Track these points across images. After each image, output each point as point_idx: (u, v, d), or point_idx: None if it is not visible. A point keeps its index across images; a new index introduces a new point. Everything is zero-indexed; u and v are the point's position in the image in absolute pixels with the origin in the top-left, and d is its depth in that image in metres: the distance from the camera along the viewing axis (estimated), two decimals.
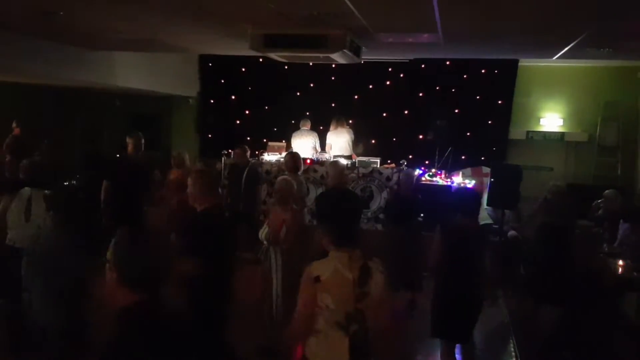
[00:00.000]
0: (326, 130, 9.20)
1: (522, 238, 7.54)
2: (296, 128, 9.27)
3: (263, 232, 4.67)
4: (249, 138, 10.42)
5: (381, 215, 8.26)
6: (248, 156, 7.99)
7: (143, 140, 6.52)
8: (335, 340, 2.63)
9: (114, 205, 5.89)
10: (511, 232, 7.83)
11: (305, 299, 2.65)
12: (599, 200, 7.39)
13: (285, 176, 5.36)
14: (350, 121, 10.03)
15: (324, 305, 2.61)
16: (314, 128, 9.25)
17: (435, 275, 4.22)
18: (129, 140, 6.49)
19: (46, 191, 4.37)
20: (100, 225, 5.74)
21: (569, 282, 4.79)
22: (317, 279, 2.60)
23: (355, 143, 9.11)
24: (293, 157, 6.42)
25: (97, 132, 10.56)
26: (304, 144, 8.88)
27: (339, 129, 8.96)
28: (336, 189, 5.64)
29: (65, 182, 6.92)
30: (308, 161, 8.46)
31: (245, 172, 7.41)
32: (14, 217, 4.39)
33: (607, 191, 7.28)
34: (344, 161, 8.57)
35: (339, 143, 8.95)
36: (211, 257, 3.52)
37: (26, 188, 4.44)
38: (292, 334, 2.78)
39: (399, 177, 8.30)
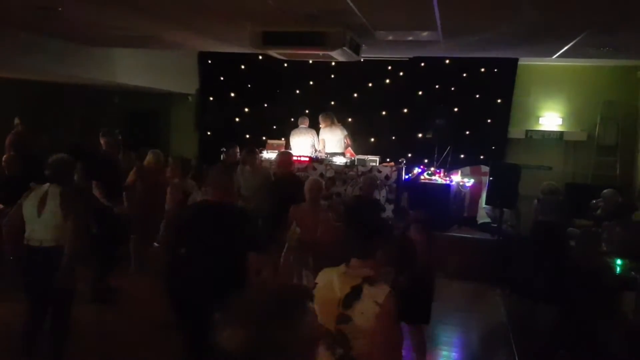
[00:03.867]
0: None
1: (520, 237, 7.56)
2: (295, 126, 9.26)
3: (293, 234, 4.57)
4: (248, 136, 10.43)
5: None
6: (238, 155, 7.99)
7: (120, 138, 6.46)
8: (324, 358, 2.40)
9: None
10: (509, 231, 7.83)
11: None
12: (597, 200, 7.40)
13: (314, 177, 5.43)
14: (350, 119, 10.07)
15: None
16: (313, 126, 9.24)
17: None
18: (102, 138, 6.33)
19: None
20: None
21: (566, 281, 4.79)
22: (314, 285, 2.48)
23: (348, 138, 9.09)
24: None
25: (95, 128, 10.53)
26: (303, 142, 8.87)
27: (333, 127, 8.94)
28: (362, 198, 5.80)
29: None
30: (307, 159, 8.45)
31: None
32: (27, 212, 4.25)
33: (605, 191, 7.30)
34: (342, 159, 8.59)
35: (333, 140, 8.93)
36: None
37: (46, 184, 4.32)
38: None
39: (397, 175, 8.32)
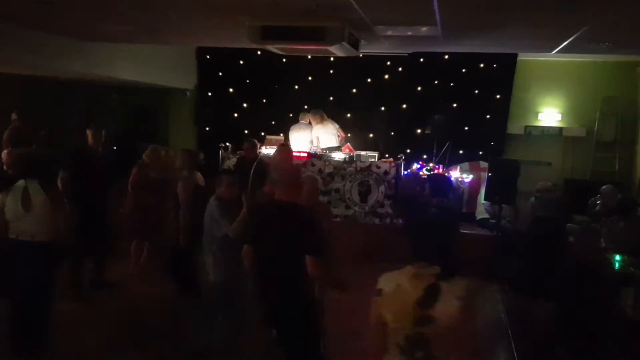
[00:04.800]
0: None
1: (519, 233, 7.55)
2: (294, 122, 9.24)
3: None
4: (246, 131, 10.38)
5: (379, 210, 8.25)
6: (257, 150, 7.93)
7: (104, 132, 6.36)
8: None
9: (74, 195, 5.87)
10: (508, 227, 7.83)
11: (370, 312, 2.48)
12: (595, 197, 7.39)
13: (310, 173, 5.31)
14: (348, 115, 10.08)
15: (386, 323, 2.40)
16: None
17: None
18: (89, 131, 6.26)
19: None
20: None
21: (565, 276, 4.79)
22: (379, 292, 2.43)
23: (340, 131, 9.05)
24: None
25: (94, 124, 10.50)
26: (302, 138, 8.84)
27: (324, 122, 8.89)
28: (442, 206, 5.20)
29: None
30: (306, 155, 8.43)
31: (254, 166, 7.35)
32: (12, 210, 4.29)
33: (604, 187, 7.29)
34: (341, 155, 8.55)
35: (327, 135, 8.88)
36: None
37: (21, 180, 4.37)
38: (368, 352, 2.56)
39: (396, 171, 8.31)
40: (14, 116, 7.92)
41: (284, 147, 7.25)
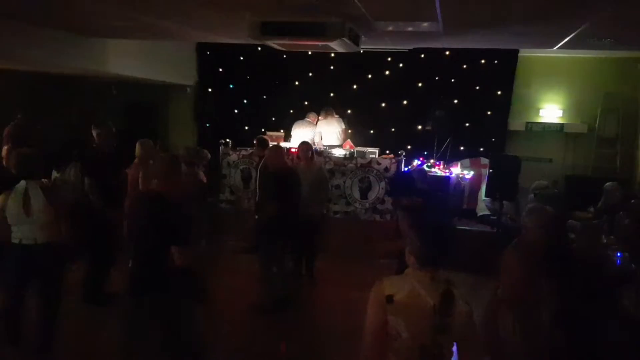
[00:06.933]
0: None
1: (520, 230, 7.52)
2: (294, 118, 9.24)
3: None
4: (247, 127, 10.39)
5: (379, 206, 8.24)
6: (265, 148, 7.81)
7: (114, 130, 6.00)
8: None
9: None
10: (509, 223, 7.81)
11: (373, 321, 2.28)
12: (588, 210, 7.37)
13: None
14: (349, 111, 10.03)
15: (395, 332, 2.22)
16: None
17: None
18: (94, 130, 5.88)
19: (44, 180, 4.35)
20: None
21: (565, 273, 4.76)
22: (389, 299, 2.23)
23: (345, 132, 9.04)
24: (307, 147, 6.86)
25: (93, 121, 10.47)
26: (304, 134, 8.83)
27: (329, 119, 8.89)
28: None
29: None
30: None
31: (259, 166, 7.30)
32: (13, 214, 4.23)
33: (607, 184, 7.26)
34: (341, 151, 8.54)
35: (329, 133, 8.88)
36: None
37: (21, 182, 4.29)
38: None
39: (397, 167, 8.30)
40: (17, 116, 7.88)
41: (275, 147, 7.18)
